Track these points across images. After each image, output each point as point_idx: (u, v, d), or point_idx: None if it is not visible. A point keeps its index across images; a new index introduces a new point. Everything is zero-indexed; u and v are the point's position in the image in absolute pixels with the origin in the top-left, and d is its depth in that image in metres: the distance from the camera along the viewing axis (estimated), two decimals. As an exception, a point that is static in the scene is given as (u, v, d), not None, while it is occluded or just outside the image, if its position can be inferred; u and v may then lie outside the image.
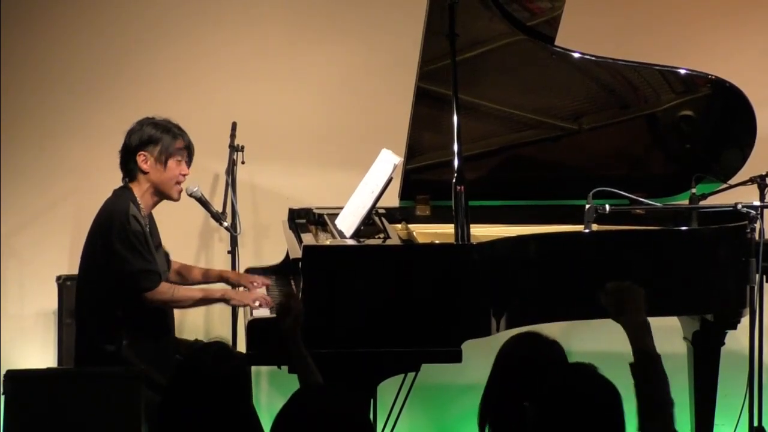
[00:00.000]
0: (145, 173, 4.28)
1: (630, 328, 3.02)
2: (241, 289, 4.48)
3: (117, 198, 4.28)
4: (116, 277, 4.15)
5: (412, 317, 3.87)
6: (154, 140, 4.26)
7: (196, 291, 4.38)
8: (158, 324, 4.28)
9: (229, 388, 2.96)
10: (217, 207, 4.90)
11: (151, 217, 4.38)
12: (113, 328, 4.18)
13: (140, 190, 4.29)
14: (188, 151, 4.34)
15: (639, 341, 2.98)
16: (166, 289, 4.20)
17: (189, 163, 4.35)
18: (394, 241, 4.19)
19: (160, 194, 4.33)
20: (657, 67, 4.70)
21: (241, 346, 3.98)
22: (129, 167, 4.30)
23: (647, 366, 2.95)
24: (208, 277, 4.68)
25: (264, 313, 4.12)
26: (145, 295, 4.15)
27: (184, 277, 4.61)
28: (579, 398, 2.69)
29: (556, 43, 4.60)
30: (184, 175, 4.33)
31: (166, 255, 4.51)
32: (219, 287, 4.55)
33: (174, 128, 4.32)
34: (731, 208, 4.35)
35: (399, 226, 4.72)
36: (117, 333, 4.18)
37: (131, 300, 4.15)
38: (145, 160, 4.26)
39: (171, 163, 4.28)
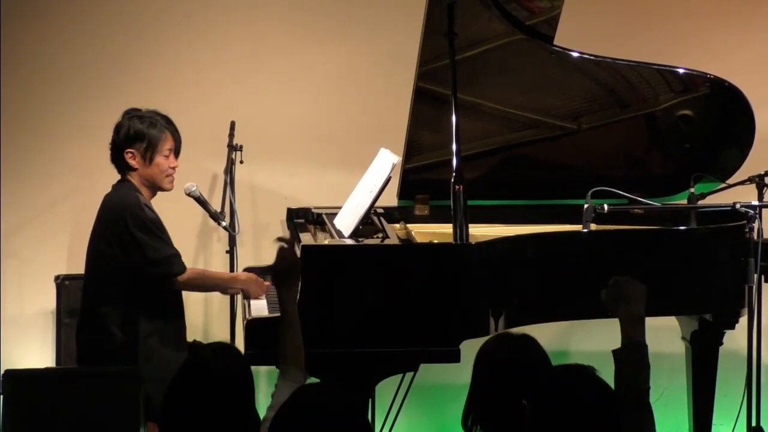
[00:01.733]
0: (134, 169, 4.28)
1: (625, 319, 3.09)
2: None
3: (121, 190, 4.27)
4: (140, 265, 4.13)
5: (411, 317, 3.87)
6: (140, 137, 4.25)
7: (223, 275, 4.40)
8: (174, 313, 4.28)
9: (233, 387, 2.96)
10: (216, 206, 4.90)
11: None
12: (131, 321, 4.17)
13: (137, 183, 4.29)
14: (175, 143, 4.31)
15: (631, 332, 3.06)
16: (197, 274, 4.28)
17: (177, 153, 4.33)
18: (392, 240, 4.19)
19: (153, 187, 4.32)
20: (656, 67, 4.70)
21: (240, 346, 3.97)
22: (120, 164, 4.30)
23: (633, 355, 3.02)
24: None
25: (262, 312, 4.12)
26: (177, 280, 4.17)
27: None
28: (575, 400, 2.69)
29: (555, 42, 4.60)
30: (173, 168, 4.31)
31: None
32: (245, 275, 4.48)
33: (160, 121, 4.29)
34: (730, 208, 4.35)
35: (397, 225, 4.72)
36: (135, 326, 4.17)
37: (158, 287, 4.15)
38: (132, 157, 4.26)
39: (158, 158, 4.26)
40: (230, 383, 2.96)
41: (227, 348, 3.10)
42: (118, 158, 4.29)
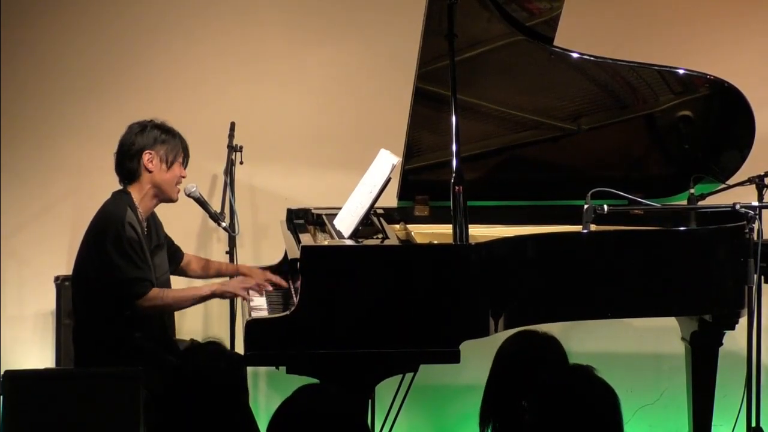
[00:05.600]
0: (149, 172, 4.28)
1: None
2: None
3: (114, 202, 4.28)
4: (108, 283, 4.16)
5: (411, 318, 3.87)
6: (161, 140, 4.29)
7: (185, 291, 4.38)
8: (155, 323, 4.29)
9: (225, 387, 2.97)
10: (216, 207, 4.90)
11: (153, 216, 4.38)
12: (109, 327, 4.19)
13: (140, 193, 4.29)
14: (186, 153, 4.38)
15: None
16: (155, 295, 4.19)
17: (186, 164, 4.38)
18: (392, 241, 4.19)
19: (160, 195, 4.33)
20: (656, 68, 4.70)
21: (240, 347, 3.98)
22: (131, 167, 4.29)
23: None
24: (227, 270, 4.74)
25: (262, 313, 4.12)
26: (136, 302, 4.16)
27: (205, 269, 4.69)
28: (575, 400, 2.69)
29: (555, 43, 4.60)
30: (182, 177, 4.36)
31: (177, 249, 4.56)
32: (216, 281, 4.53)
33: (176, 132, 4.36)
34: (729, 209, 4.34)
35: (397, 226, 4.73)
36: (114, 332, 4.18)
37: (123, 306, 4.16)
38: (150, 159, 4.27)
39: (175, 165, 4.30)
40: (222, 382, 2.97)
41: (217, 347, 3.10)
42: (131, 161, 4.28)
